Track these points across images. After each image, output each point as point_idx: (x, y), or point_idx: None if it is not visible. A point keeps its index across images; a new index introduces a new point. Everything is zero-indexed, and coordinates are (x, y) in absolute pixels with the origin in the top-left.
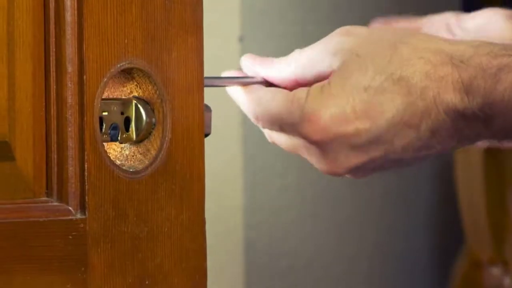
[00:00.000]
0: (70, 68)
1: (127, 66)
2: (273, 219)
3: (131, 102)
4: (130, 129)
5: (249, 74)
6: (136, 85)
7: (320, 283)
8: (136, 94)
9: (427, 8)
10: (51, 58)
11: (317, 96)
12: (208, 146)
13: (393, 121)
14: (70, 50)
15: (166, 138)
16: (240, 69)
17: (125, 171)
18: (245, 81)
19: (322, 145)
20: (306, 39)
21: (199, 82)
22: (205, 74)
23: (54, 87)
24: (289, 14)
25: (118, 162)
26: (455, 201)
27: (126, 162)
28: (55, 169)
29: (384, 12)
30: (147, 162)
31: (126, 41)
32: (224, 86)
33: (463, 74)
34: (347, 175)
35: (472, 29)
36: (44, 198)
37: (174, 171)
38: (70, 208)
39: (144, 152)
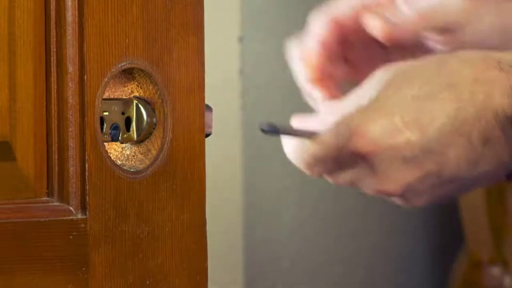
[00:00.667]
0: (71, 68)
1: (128, 66)
2: (273, 219)
3: (132, 102)
4: (131, 129)
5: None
6: (137, 85)
7: (320, 283)
8: (137, 94)
9: None
10: (52, 58)
11: (363, 111)
12: (208, 146)
13: (444, 129)
14: (71, 50)
15: (167, 138)
16: None
17: (126, 171)
18: (308, 135)
19: (372, 160)
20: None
21: (200, 82)
22: (205, 74)
23: (55, 87)
24: (289, 14)
25: (119, 162)
26: (455, 201)
27: (127, 162)
28: (56, 169)
29: None
30: (148, 162)
31: (127, 41)
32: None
33: (511, 78)
34: (401, 201)
35: (423, 7)
36: (45, 198)
37: (175, 171)
38: (71, 208)
39: (145, 152)
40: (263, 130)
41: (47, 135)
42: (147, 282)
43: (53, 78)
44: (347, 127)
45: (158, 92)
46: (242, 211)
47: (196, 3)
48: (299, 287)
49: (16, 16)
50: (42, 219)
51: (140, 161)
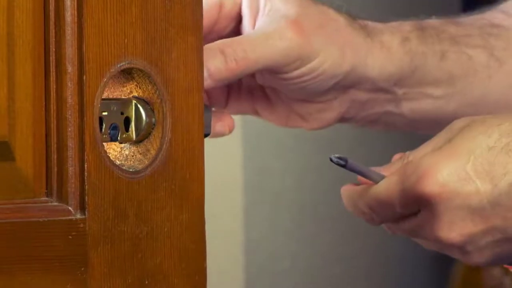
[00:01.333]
0: (70, 68)
1: (127, 66)
2: (273, 219)
3: (131, 102)
4: (130, 129)
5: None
6: (136, 85)
7: (320, 284)
8: (136, 94)
9: (427, 7)
10: (51, 58)
11: (434, 154)
12: (208, 146)
13: None
14: (70, 50)
15: (166, 138)
16: None
17: (125, 171)
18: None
19: (438, 203)
20: None
21: (199, 82)
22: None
23: (54, 87)
24: None
25: (117, 162)
26: None
27: (126, 162)
28: (54, 169)
29: (384, 12)
30: (146, 162)
31: (126, 41)
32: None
33: None
34: (462, 255)
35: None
36: (44, 198)
37: (174, 171)
38: (70, 208)
39: (143, 152)
40: (331, 160)
41: (46, 135)
42: (146, 282)
43: (52, 78)
44: (416, 168)
45: (157, 92)
46: (242, 211)
47: (195, 3)
48: (299, 287)
49: (15, 16)
50: (41, 219)
51: (139, 161)
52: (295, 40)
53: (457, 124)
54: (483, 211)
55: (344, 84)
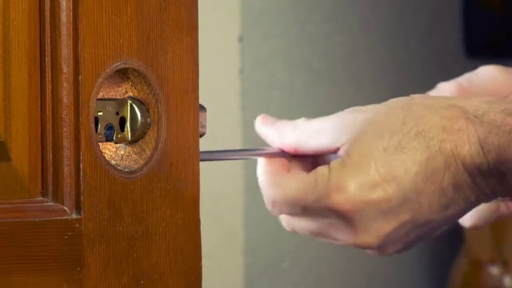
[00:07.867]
0: (66, 68)
1: (122, 66)
2: (273, 219)
3: (126, 102)
4: (125, 129)
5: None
6: (131, 85)
7: (320, 283)
8: (131, 94)
9: (426, 8)
10: (46, 59)
11: (340, 168)
12: (208, 146)
13: (417, 178)
14: (65, 50)
15: (161, 138)
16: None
17: (120, 171)
18: (254, 154)
19: (351, 215)
20: (306, 39)
21: (194, 82)
22: (205, 74)
23: (50, 87)
24: (289, 14)
25: (113, 162)
26: None
27: (121, 162)
28: (50, 169)
29: (383, 13)
30: (142, 162)
31: (121, 41)
32: (231, 159)
33: (478, 128)
34: (377, 252)
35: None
36: (40, 198)
37: (169, 171)
38: (65, 208)
39: (139, 152)
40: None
41: (41, 135)
42: (142, 282)
43: (48, 79)
44: (326, 184)
45: (152, 92)
46: (242, 211)
47: (190, 3)
48: (299, 287)
49: (10, 16)
50: (36, 219)
51: (134, 161)
52: None
53: (347, 121)
54: (393, 210)
55: None
